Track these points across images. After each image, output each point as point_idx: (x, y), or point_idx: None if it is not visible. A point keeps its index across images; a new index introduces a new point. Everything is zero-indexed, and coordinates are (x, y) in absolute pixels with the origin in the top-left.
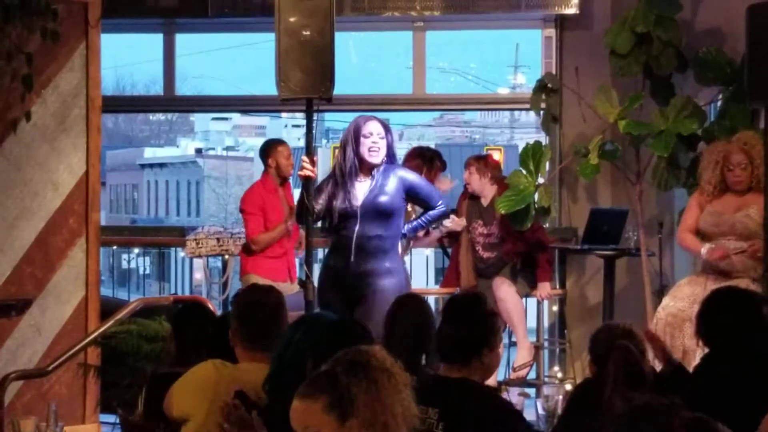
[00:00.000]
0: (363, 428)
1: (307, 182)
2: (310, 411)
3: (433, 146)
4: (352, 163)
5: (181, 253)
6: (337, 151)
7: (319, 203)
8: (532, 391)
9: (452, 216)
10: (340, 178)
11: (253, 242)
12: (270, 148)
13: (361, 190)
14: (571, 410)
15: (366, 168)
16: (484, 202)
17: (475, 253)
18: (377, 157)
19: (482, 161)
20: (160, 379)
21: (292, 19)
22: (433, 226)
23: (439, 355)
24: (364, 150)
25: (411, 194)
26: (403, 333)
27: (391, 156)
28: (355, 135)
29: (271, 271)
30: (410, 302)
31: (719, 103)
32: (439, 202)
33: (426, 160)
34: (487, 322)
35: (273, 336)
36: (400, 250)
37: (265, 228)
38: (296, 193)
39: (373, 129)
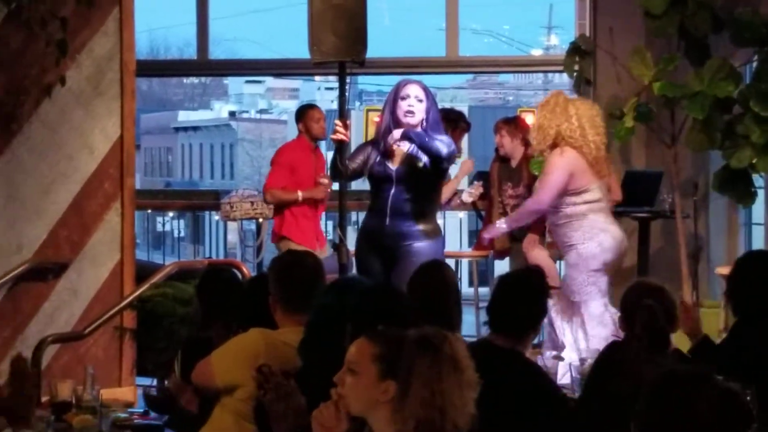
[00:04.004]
0: (413, 403)
1: (340, 145)
2: (362, 350)
3: (465, 108)
4: (388, 125)
5: (216, 217)
6: (370, 113)
7: (356, 162)
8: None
9: (469, 189)
10: (380, 139)
11: (267, 192)
12: (301, 113)
13: (399, 153)
14: (598, 373)
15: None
16: (513, 163)
17: (507, 215)
18: (412, 118)
19: (512, 123)
20: (194, 343)
21: None
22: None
23: (492, 325)
24: (400, 112)
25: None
26: (424, 299)
27: (431, 121)
28: (393, 97)
29: (304, 236)
30: (433, 268)
31: (755, 64)
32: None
33: (450, 121)
34: (548, 297)
35: (313, 298)
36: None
37: (289, 185)
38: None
39: (410, 92)
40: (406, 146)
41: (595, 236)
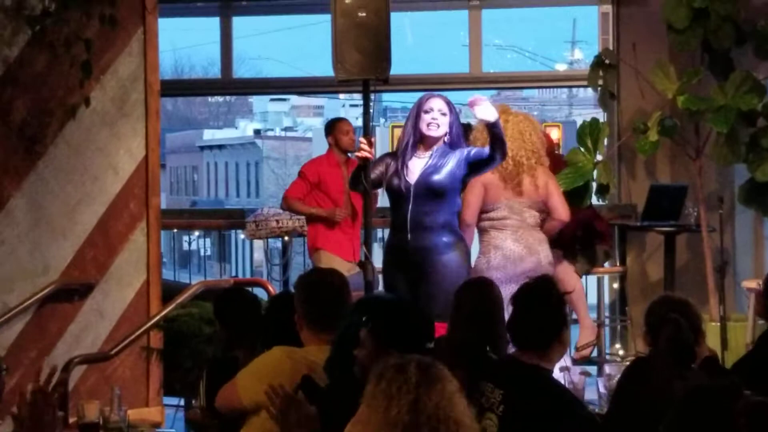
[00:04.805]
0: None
1: (365, 163)
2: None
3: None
4: (410, 138)
5: (242, 235)
6: (395, 130)
7: (375, 172)
8: (593, 370)
9: None
10: (400, 152)
11: (285, 199)
12: (330, 126)
13: (418, 166)
14: (624, 388)
15: (426, 144)
16: None
17: None
18: (435, 131)
19: None
20: (218, 364)
21: (347, 0)
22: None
23: (515, 341)
24: (423, 125)
25: (472, 161)
26: (470, 315)
27: (454, 135)
28: (416, 111)
29: (338, 247)
30: (482, 285)
31: None
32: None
33: None
34: (563, 304)
35: (339, 317)
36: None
37: (309, 199)
38: None
39: (434, 105)
40: (425, 161)
41: (487, 252)
